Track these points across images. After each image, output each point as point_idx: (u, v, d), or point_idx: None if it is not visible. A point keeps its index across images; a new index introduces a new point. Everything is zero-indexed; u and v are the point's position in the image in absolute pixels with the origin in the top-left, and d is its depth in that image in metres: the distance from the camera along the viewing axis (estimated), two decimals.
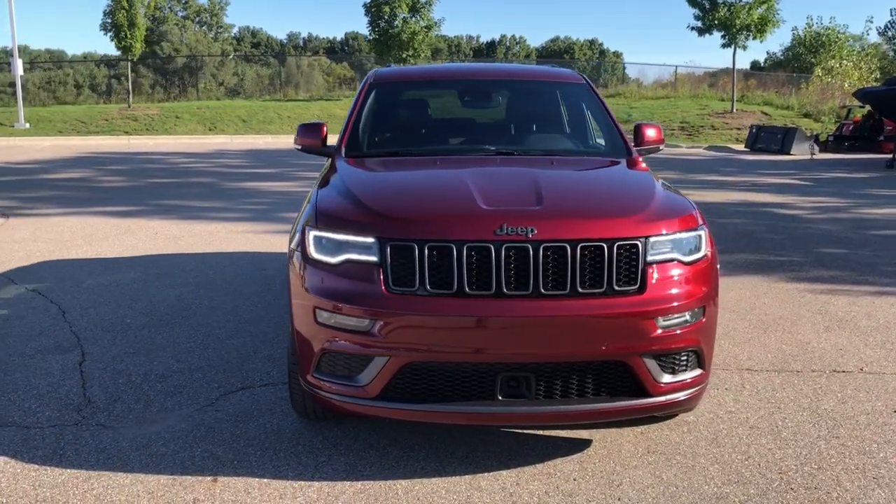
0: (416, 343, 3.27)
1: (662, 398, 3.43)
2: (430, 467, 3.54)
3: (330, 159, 4.60)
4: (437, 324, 3.25)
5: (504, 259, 3.26)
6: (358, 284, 3.34)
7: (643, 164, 4.46)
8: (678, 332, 3.40)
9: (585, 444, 3.80)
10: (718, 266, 3.76)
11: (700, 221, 3.63)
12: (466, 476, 3.48)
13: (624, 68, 55.77)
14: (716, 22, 28.57)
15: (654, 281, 3.37)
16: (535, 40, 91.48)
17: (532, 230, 3.30)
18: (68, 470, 3.52)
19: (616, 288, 3.32)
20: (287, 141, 25.48)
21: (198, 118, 29.59)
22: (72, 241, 8.91)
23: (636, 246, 3.36)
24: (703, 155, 22.22)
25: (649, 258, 3.38)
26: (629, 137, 4.78)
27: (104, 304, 6.20)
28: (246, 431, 3.90)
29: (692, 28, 29.52)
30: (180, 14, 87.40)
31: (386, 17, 30.67)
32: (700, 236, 3.57)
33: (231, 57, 49.35)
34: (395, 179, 4.20)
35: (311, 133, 4.77)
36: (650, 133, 4.84)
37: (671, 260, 3.45)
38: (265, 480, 3.43)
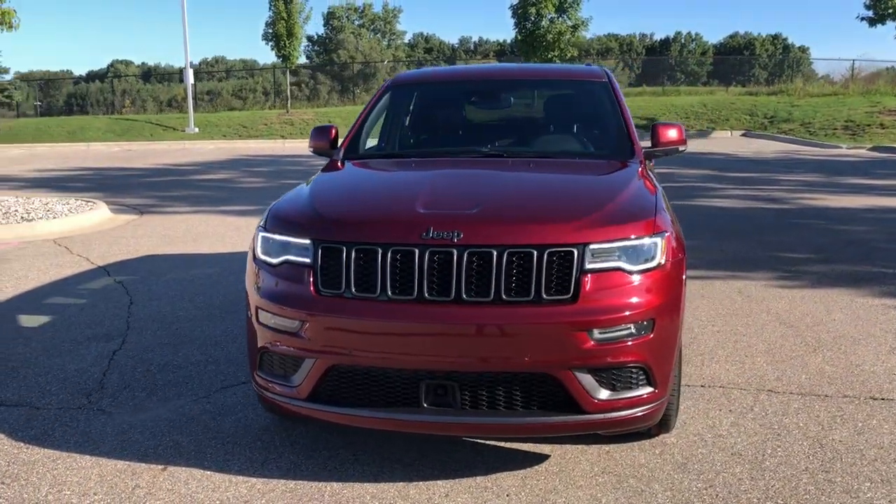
0: (341, 346, 3.27)
1: (599, 416, 3.22)
2: (369, 472, 3.52)
3: (329, 161, 4.67)
4: (360, 327, 3.22)
5: (427, 264, 3.19)
6: (291, 286, 3.38)
7: (642, 167, 4.19)
8: (618, 346, 3.18)
9: (542, 458, 3.64)
10: (685, 276, 3.48)
11: (659, 229, 3.36)
12: (400, 483, 3.43)
13: (810, 63, 52.34)
14: (890, 10, 26.19)
15: (589, 290, 3.17)
16: (713, 36, 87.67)
17: (458, 234, 3.20)
18: (46, 450, 3.79)
19: (545, 297, 3.16)
20: None
21: (348, 123, 30.82)
22: (181, 237, 9.55)
23: (570, 253, 3.18)
24: (860, 156, 20.43)
25: (587, 266, 3.19)
26: (638, 137, 4.51)
27: (170, 297, 6.61)
28: (219, 424, 4.05)
29: (862, 18, 27.24)
30: (356, 23, 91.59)
31: (532, 18, 30.52)
32: (654, 245, 3.32)
33: (401, 62, 50.97)
34: (355, 182, 4.21)
35: (320, 136, 4.87)
36: (668, 134, 4.55)
37: (614, 269, 3.22)
38: (208, 473, 3.55)
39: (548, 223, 3.30)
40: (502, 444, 3.75)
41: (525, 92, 5.24)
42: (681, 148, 4.63)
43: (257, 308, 3.48)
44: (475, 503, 3.27)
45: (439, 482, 3.43)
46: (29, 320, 6.03)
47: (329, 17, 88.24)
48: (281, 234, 3.49)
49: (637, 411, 3.29)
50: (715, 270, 7.32)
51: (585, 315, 3.14)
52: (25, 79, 54.85)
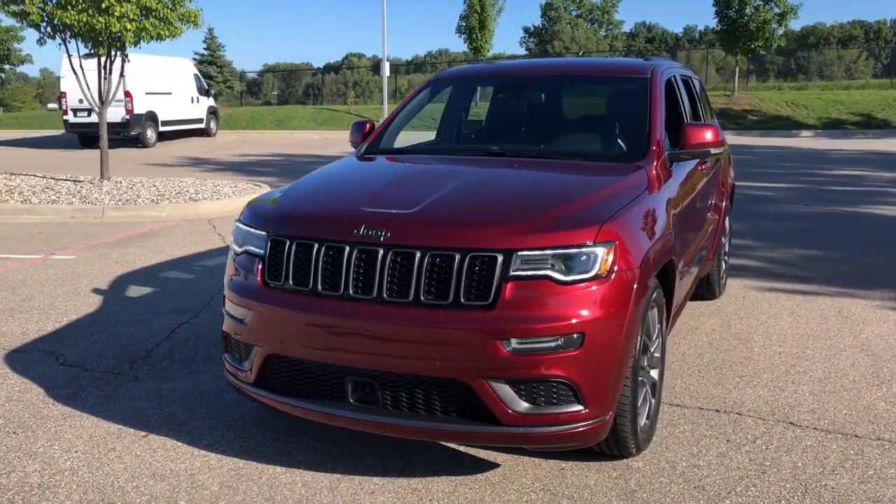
0: (277, 337, 3.37)
1: (518, 430, 3.09)
2: (314, 461, 3.61)
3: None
4: (292, 320, 3.31)
5: (355, 261, 3.21)
6: (246, 275, 3.54)
7: (653, 170, 3.91)
8: (539, 358, 3.03)
9: (490, 467, 3.54)
10: (635, 286, 3.21)
11: (605, 238, 3.14)
12: (337, 476, 3.48)
13: None
14: None
15: (510, 298, 3.04)
16: None
17: (385, 234, 3.19)
18: (66, 408, 4.23)
19: (463, 301, 3.07)
20: None
21: None
22: None
23: (494, 259, 3.07)
24: None
25: (512, 273, 3.06)
26: (662, 138, 4.20)
27: None
28: (219, 400, 4.31)
29: None
30: (574, 13, 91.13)
31: (735, 6, 28.75)
32: (593, 255, 3.11)
33: (617, 52, 50.12)
34: (335, 177, 4.24)
35: (357, 131, 4.99)
36: (700, 135, 4.20)
37: (542, 277, 3.07)
38: (178, 444, 3.80)
39: (474, 227, 3.19)
40: (462, 448, 3.68)
41: (559, 89, 5.02)
42: (714, 150, 4.26)
43: (224, 295, 3.68)
44: (395, 503, 3.26)
45: (374, 479, 3.45)
46: (135, 291, 6.69)
47: (546, 7, 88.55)
48: (247, 224, 3.65)
49: (563, 429, 3.11)
50: (828, 286, 6.62)
51: (501, 323, 3.02)
52: (271, 70, 59.91)
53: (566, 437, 3.14)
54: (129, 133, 23.51)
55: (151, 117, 24.29)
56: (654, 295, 3.54)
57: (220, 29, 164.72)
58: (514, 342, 3.01)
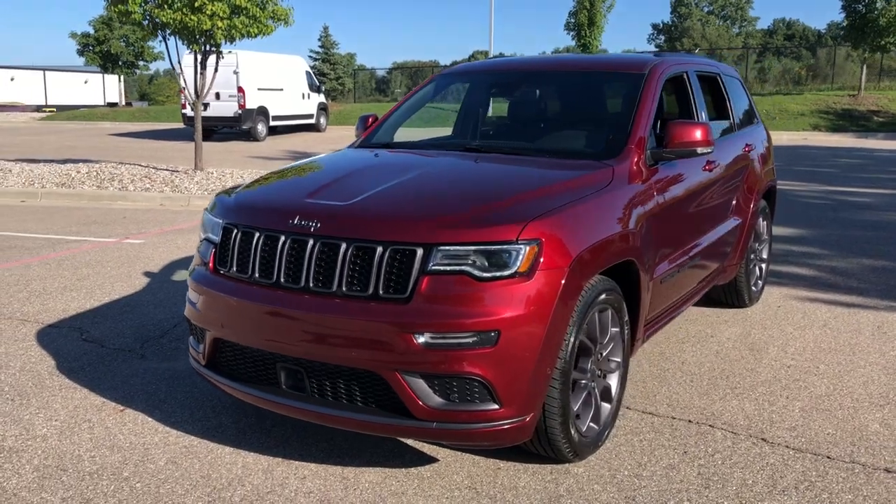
0: (221, 321, 3.49)
1: (433, 425, 3.08)
2: (263, 444, 3.72)
3: None
4: (232, 306, 3.42)
5: (287, 251, 3.29)
6: (203, 262, 3.69)
7: (621, 168, 3.80)
8: (452, 353, 3.01)
9: (427, 461, 3.55)
10: (562, 286, 3.12)
11: (530, 235, 3.07)
12: (276, 459, 3.58)
13: None
14: None
15: (426, 292, 3.03)
16: None
17: (316, 224, 3.26)
18: (67, 380, 4.53)
19: (382, 294, 3.09)
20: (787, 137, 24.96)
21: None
22: None
23: (413, 252, 3.07)
24: None
25: (431, 267, 3.05)
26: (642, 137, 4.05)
27: None
28: (202, 382, 4.48)
29: None
30: (706, 9, 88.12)
31: (865, 1, 27.05)
32: (515, 251, 3.05)
33: (751, 49, 48.30)
34: (304, 167, 4.31)
35: (361, 125, 5.08)
36: (683, 134, 4.03)
37: (460, 272, 3.04)
38: (148, 420, 4.00)
39: (398, 220, 3.20)
40: (408, 441, 3.70)
41: (554, 86, 4.91)
42: (701, 150, 4.07)
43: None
44: (321, 489, 3.32)
45: (310, 465, 3.52)
46: (180, 275, 7.04)
47: (677, 4, 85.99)
48: (210, 213, 3.80)
49: (478, 427, 3.08)
50: (879, 300, 6.18)
51: (415, 317, 3.02)
52: (399, 68, 61.22)
53: (482, 436, 3.11)
54: (240, 127, 24.61)
55: (263, 112, 25.31)
56: (604, 297, 3.44)
57: (348, 26, 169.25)
58: (427, 336, 3.00)
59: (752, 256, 5.90)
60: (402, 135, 4.95)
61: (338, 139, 26.19)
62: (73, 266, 7.39)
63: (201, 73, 13.51)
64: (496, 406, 3.07)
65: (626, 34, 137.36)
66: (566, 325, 3.19)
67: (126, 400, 4.25)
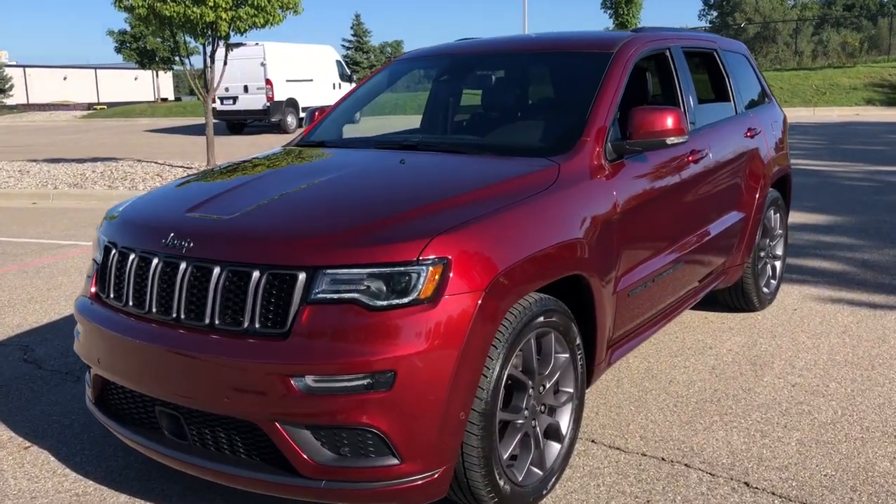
0: (97, 356, 3.04)
1: (319, 483, 2.57)
2: (168, 492, 3.27)
3: None
4: (106, 338, 2.96)
5: (158, 275, 2.82)
6: (87, 286, 3.25)
7: (555, 168, 3.22)
8: (341, 399, 2.50)
9: None
10: (476, 313, 2.58)
11: (434, 253, 2.54)
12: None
13: None
14: None
15: (308, 326, 2.52)
16: None
17: (189, 244, 2.77)
18: None
19: (257, 328, 2.59)
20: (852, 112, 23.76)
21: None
22: None
23: (293, 277, 2.56)
24: None
25: (316, 295, 2.54)
26: (601, 129, 3.46)
27: None
28: None
29: None
30: None
31: None
32: (414, 275, 2.52)
33: (806, 22, 46.49)
34: (210, 173, 3.81)
35: (308, 119, 4.59)
36: (649, 121, 3.43)
37: (350, 301, 2.52)
38: (49, 459, 3.58)
39: (277, 239, 2.69)
40: None
41: (511, 71, 4.32)
42: (671, 140, 3.47)
43: None
44: None
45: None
46: None
47: None
48: (98, 229, 3.35)
49: (377, 486, 2.57)
50: None
51: (295, 356, 2.51)
52: None
53: (386, 495, 2.59)
54: (269, 120, 24.38)
55: (292, 104, 25.02)
56: (543, 319, 2.89)
57: (397, 13, 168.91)
58: (309, 380, 2.49)
59: (762, 254, 5.24)
60: (369, 126, 4.45)
61: (368, 130, 25.76)
62: (51, 274, 7.06)
63: (210, 67, 13.17)
64: (396, 461, 2.55)
65: (673, 10, 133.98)
66: (484, 359, 2.65)
67: (37, 434, 3.84)
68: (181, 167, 14.43)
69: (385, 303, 2.51)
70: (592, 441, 3.54)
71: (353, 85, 28.80)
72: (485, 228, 2.73)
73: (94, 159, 16.62)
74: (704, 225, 4.30)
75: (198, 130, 28.01)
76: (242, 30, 12.64)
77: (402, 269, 2.53)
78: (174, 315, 2.75)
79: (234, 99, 24.44)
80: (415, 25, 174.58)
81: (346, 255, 2.56)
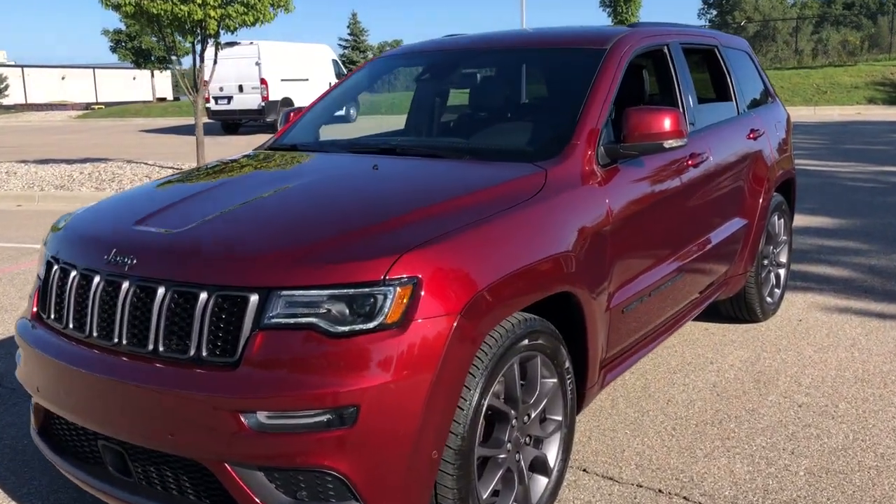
0: (37, 383, 2.76)
1: None
2: None
3: None
4: (44, 363, 2.68)
5: (100, 295, 2.54)
6: (29, 305, 2.97)
7: (542, 174, 2.95)
8: (297, 438, 2.22)
9: None
10: (449, 339, 2.30)
11: (398, 273, 2.27)
12: None
13: None
14: None
15: (261, 355, 2.25)
16: None
17: (132, 261, 2.49)
18: None
19: (205, 356, 2.32)
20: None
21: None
22: None
23: (244, 299, 2.28)
24: None
25: (270, 320, 2.26)
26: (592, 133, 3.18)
27: None
28: None
29: None
30: None
31: None
32: (380, 297, 2.25)
33: (806, 20, 46.16)
34: (167, 180, 3.53)
35: (283, 120, 4.31)
36: (645, 122, 3.15)
37: (306, 327, 2.25)
38: None
39: (228, 256, 2.42)
40: None
41: (499, 69, 4.05)
42: (669, 144, 3.19)
43: None
44: None
45: None
46: None
47: None
48: (44, 243, 3.07)
49: None
50: None
51: (245, 389, 2.24)
52: None
53: None
54: (264, 120, 24.06)
55: (287, 104, 24.68)
56: (527, 342, 2.61)
57: (399, 12, 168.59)
58: (261, 416, 2.22)
59: (766, 262, 4.96)
60: (365, 126, 4.19)
61: (367, 130, 25.47)
62: (24, 282, 6.79)
63: (200, 66, 12.89)
64: None
65: (673, 9, 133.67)
66: (460, 389, 2.37)
67: None
68: (171, 168, 14.15)
69: (347, 328, 2.24)
70: (584, 470, 3.27)
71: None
72: (461, 243, 2.45)
73: (84, 160, 16.32)
74: (705, 233, 4.02)
75: (193, 130, 27.76)
76: (232, 28, 12.34)
77: (366, 290, 2.25)
78: (116, 340, 2.48)
79: (229, 98, 24.14)
80: (413, 23, 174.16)
81: (304, 275, 2.28)
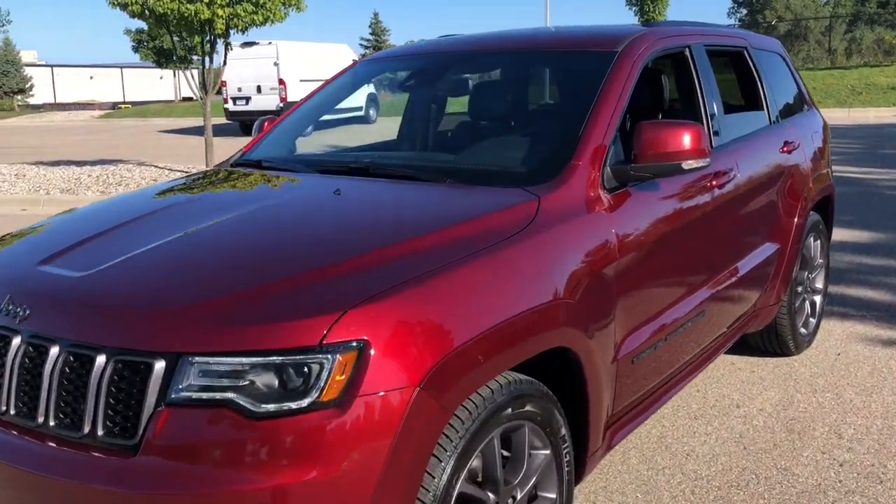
0: None
1: None
2: None
3: None
4: None
5: None
6: None
7: (534, 202, 2.46)
8: None
9: None
10: (404, 420, 1.84)
11: (339, 337, 1.80)
12: None
13: None
14: None
15: (166, 437, 1.80)
16: None
17: (25, 311, 2.05)
18: None
19: (100, 435, 1.87)
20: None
21: None
22: None
23: (148, 366, 1.83)
24: None
25: (179, 393, 1.81)
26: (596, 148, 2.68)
27: None
28: None
29: None
30: None
31: None
32: (317, 366, 1.79)
33: (839, 19, 45.08)
34: (104, 205, 3.08)
35: (257, 130, 3.86)
36: (656, 140, 2.66)
37: (221, 404, 1.79)
38: None
39: (129, 310, 1.96)
40: None
41: (497, 72, 3.56)
42: (688, 165, 2.69)
43: None
44: None
45: None
46: None
47: None
48: None
49: None
50: None
51: (142, 483, 1.79)
52: None
53: None
54: None
55: None
56: (511, 411, 2.14)
57: (422, 12, 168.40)
58: None
59: (800, 290, 4.43)
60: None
61: (386, 132, 25.07)
62: None
63: (209, 67, 12.54)
64: None
65: (702, 7, 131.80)
66: (420, 478, 1.90)
67: None
68: (181, 171, 13.82)
69: (273, 407, 1.78)
70: None
71: (371, 85, 28.24)
72: (426, 293, 1.98)
73: (95, 162, 16.05)
74: (732, 262, 3.51)
75: (217, 131, 27.54)
76: (241, 27, 11.96)
77: (297, 357, 1.79)
78: (2, 408, 2.03)
79: (247, 99, 23.87)
80: (436, 22, 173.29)
81: (221, 338, 1.82)
